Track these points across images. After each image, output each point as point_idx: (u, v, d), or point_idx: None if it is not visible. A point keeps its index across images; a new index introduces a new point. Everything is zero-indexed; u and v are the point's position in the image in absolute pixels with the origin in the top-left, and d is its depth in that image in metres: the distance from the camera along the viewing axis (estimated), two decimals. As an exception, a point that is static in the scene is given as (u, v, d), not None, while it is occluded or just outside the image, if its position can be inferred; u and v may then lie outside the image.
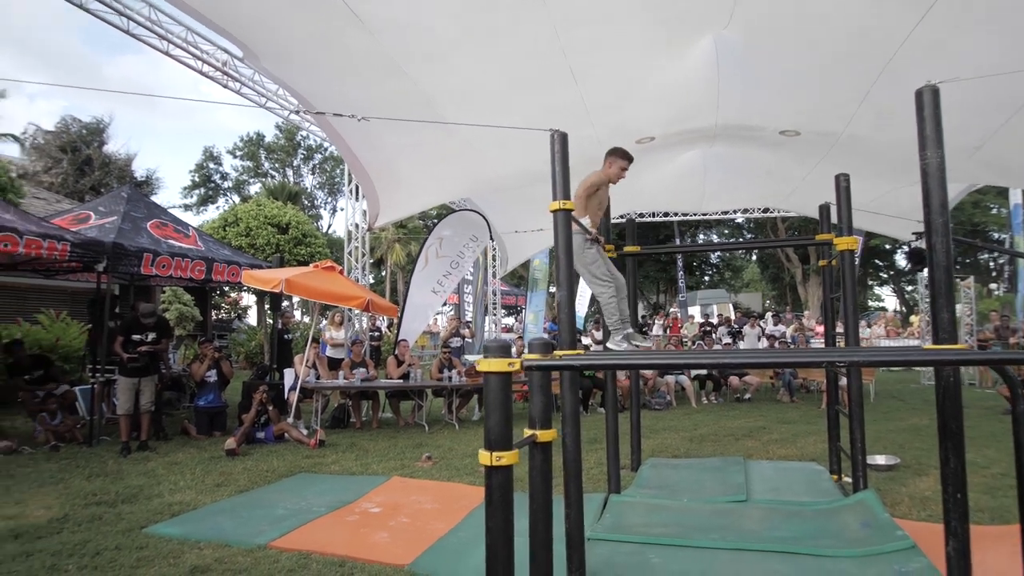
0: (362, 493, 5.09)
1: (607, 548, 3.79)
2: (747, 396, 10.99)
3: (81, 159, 23.30)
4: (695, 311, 24.46)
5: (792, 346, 12.98)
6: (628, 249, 5.46)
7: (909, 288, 33.17)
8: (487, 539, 2.18)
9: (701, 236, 41.70)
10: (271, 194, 26.66)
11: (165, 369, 7.84)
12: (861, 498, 4.31)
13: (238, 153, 41.15)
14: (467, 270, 12.60)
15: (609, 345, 4.11)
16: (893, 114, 6.36)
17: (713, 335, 13.94)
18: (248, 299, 24.00)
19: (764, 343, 13.07)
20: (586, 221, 3.97)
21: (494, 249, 16.57)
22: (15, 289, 11.55)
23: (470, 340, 12.30)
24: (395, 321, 11.44)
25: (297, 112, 9.35)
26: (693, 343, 14.66)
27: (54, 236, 6.19)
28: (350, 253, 11.16)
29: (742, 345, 14.33)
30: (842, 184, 4.40)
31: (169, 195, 48.36)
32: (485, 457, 2.13)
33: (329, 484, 5.42)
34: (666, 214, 16.71)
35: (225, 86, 7.90)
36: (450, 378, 8.55)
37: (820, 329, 17.42)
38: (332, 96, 5.52)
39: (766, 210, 15.51)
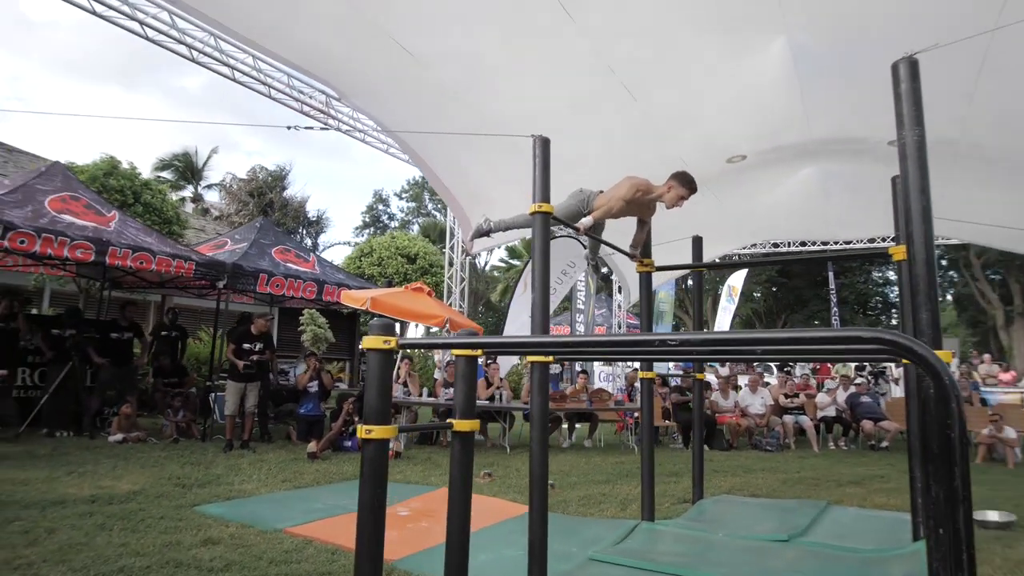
0: (404, 499, 5.27)
1: (599, 569, 3.58)
2: (883, 444, 9.68)
3: (265, 202, 26.84)
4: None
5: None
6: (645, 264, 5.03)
7: None
8: (358, 511, 2.23)
9: (876, 272, 37.57)
10: (424, 232, 28.59)
11: (273, 377, 8.73)
12: (918, 548, 3.67)
13: (404, 195, 44.80)
14: (562, 296, 12.59)
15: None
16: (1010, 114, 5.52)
17: (851, 376, 12.55)
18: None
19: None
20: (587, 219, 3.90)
21: (616, 281, 16.41)
22: (189, 310, 13.69)
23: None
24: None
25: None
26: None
27: (182, 256, 7.25)
28: (450, 277, 11.69)
29: (892, 387, 12.82)
30: (897, 185, 3.90)
31: (338, 232, 54.06)
32: (361, 430, 2.21)
33: (380, 489, 5.67)
34: (804, 243, 15.42)
35: (325, 124, 8.92)
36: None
37: (1005, 376, 14.96)
38: (410, 124, 5.96)
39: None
